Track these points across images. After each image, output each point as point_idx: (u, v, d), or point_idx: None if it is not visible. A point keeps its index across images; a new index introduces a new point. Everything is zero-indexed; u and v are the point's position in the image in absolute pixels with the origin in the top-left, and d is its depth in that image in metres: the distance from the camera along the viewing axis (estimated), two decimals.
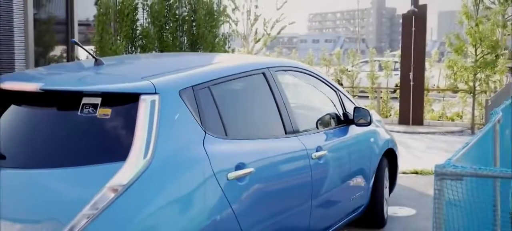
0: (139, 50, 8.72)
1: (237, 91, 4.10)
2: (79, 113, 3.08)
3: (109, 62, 4.04)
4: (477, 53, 12.56)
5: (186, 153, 3.22)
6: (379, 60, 19.23)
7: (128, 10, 8.54)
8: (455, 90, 14.99)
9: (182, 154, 3.19)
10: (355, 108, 5.06)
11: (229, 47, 10.02)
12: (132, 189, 2.87)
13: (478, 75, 12.71)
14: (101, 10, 8.41)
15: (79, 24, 10.36)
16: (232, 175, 3.36)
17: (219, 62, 4.49)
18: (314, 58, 21.13)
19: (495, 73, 13.07)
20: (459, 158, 2.74)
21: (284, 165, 4.04)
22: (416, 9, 13.19)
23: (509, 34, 15.13)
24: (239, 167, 3.43)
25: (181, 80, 3.45)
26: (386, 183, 5.77)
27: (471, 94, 12.99)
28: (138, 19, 8.83)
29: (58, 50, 10.39)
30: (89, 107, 3.07)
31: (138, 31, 8.79)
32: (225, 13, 11.47)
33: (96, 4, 9.36)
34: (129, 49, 8.65)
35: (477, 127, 12.31)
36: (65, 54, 10.25)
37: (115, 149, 3.02)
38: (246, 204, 3.48)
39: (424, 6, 13.39)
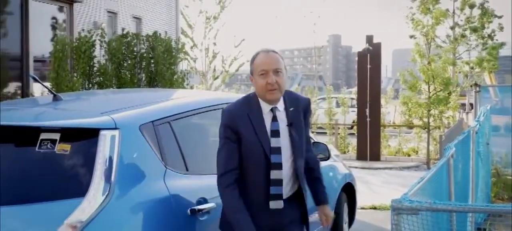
0: (96, 86, 8.65)
1: (197, 127, 4.10)
2: (37, 149, 3.03)
3: (68, 98, 3.99)
4: (430, 90, 12.90)
5: (146, 188, 3.19)
6: (336, 97, 19.52)
7: (85, 47, 8.49)
8: (410, 126, 15.30)
9: (142, 189, 3.16)
10: (314, 143, 5.12)
11: (187, 84, 10.04)
12: (92, 226, 2.82)
13: (432, 112, 13.03)
14: (58, 46, 8.33)
15: (35, 61, 10.22)
16: (193, 210, 3.34)
17: (179, 98, 4.49)
18: None
19: (448, 109, 13.42)
20: (415, 193, 2.79)
21: None
22: (371, 47, 13.49)
23: (460, 72, 15.63)
24: (200, 202, 3.42)
25: (142, 115, 3.44)
26: (346, 217, 5.81)
27: (426, 130, 13.28)
28: (95, 56, 8.78)
29: (12, 86, 10.20)
30: (48, 143, 3.02)
31: (95, 68, 8.72)
32: (184, 50, 11.53)
33: (52, 40, 9.28)
34: (86, 86, 8.57)
35: (432, 161, 12.55)
36: (19, 91, 10.07)
37: (75, 185, 2.97)
38: None
39: (379, 44, 13.72)
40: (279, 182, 3.22)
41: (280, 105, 3.26)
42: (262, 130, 3.20)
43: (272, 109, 3.22)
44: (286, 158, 3.23)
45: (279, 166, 3.21)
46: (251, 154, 3.19)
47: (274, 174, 3.20)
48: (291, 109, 3.28)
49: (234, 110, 3.23)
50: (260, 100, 3.23)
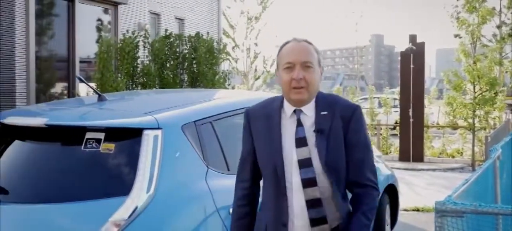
0: (139, 87, 8.79)
1: (239, 127, 4.11)
2: (82, 148, 3.10)
3: (112, 98, 4.07)
4: (476, 90, 12.62)
5: (188, 188, 3.23)
6: (378, 97, 19.31)
7: (129, 48, 8.64)
8: (454, 127, 15.00)
9: (184, 189, 3.20)
10: None
11: (229, 84, 10.10)
12: (135, 223, 2.88)
13: (477, 112, 12.75)
14: (103, 48, 8.50)
15: (80, 62, 10.46)
16: None
17: (220, 98, 4.52)
18: None
19: (494, 110, 13.10)
20: (459, 195, 2.74)
21: None
22: (414, 47, 13.28)
23: (507, 72, 15.25)
24: None
25: (184, 115, 3.48)
26: (388, 219, 5.74)
27: (471, 131, 13.00)
28: (138, 57, 8.93)
29: (59, 87, 10.47)
30: (93, 142, 3.09)
31: (138, 69, 8.87)
32: (225, 51, 11.61)
33: (97, 42, 9.47)
34: (130, 86, 8.72)
35: (477, 163, 12.28)
36: (66, 91, 10.32)
37: (118, 183, 3.03)
38: None
39: (422, 43, 13.50)
40: (317, 203, 2.46)
41: (309, 108, 2.51)
42: (275, 138, 2.49)
43: (295, 112, 2.51)
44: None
45: (312, 182, 2.45)
46: (263, 168, 2.56)
47: (308, 193, 2.45)
48: (324, 113, 2.50)
49: (251, 112, 2.65)
50: (285, 101, 2.55)
